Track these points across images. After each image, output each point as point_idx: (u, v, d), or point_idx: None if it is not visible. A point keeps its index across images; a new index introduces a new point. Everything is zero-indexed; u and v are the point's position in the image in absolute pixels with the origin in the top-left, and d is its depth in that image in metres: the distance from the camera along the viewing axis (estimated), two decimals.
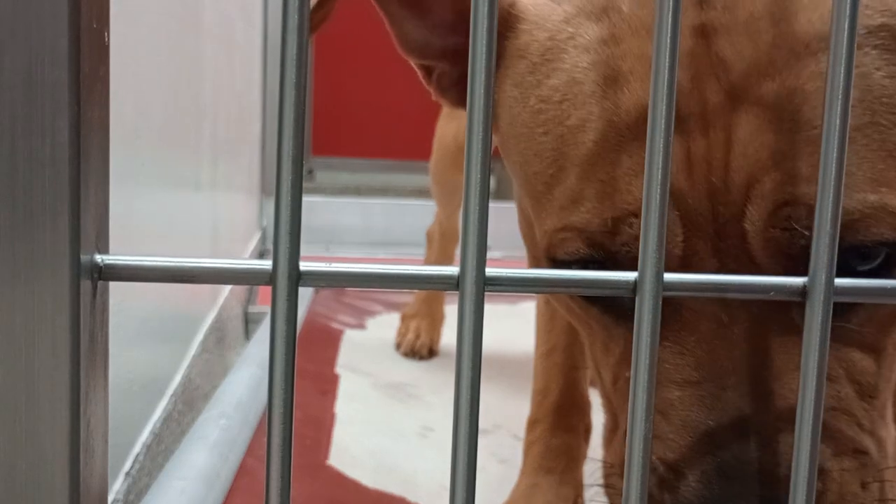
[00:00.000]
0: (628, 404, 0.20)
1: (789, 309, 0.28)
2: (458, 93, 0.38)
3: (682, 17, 0.27)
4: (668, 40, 0.20)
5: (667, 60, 0.20)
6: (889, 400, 0.31)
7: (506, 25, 0.33)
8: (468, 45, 0.39)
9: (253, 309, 1.24)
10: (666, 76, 0.20)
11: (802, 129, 0.27)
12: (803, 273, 0.21)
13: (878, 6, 0.29)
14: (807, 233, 0.27)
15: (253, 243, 1.44)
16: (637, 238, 0.28)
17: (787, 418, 0.27)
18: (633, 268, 0.21)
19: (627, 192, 0.28)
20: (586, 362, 0.59)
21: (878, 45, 0.28)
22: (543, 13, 0.33)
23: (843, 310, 0.29)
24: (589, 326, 0.34)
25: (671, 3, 0.19)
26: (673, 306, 0.28)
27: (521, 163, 0.34)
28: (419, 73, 0.40)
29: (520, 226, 0.37)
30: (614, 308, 0.32)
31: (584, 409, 0.57)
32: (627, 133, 0.29)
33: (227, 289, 1.03)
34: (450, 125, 0.95)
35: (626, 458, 0.21)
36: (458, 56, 0.37)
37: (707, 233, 0.28)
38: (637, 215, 0.28)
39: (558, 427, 0.56)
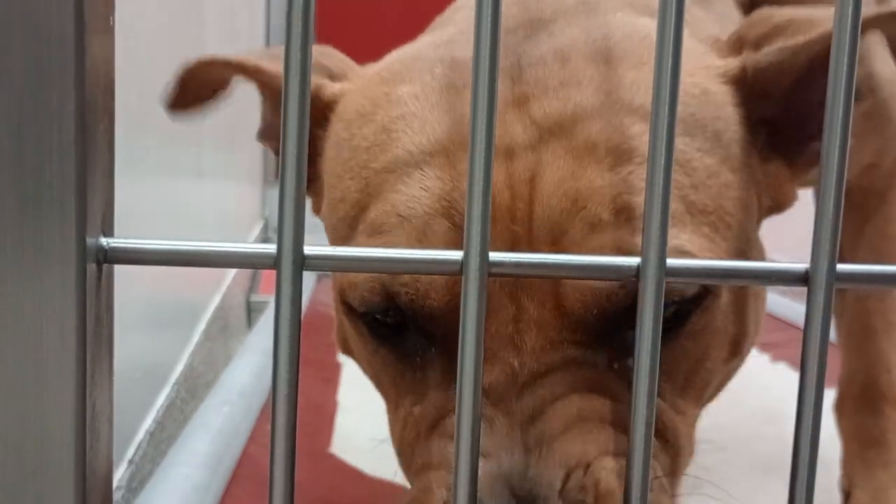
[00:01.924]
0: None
1: (586, 344, 0.29)
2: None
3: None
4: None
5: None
6: (686, 455, 0.32)
7: (323, 109, 0.36)
8: (311, 134, 0.40)
9: (255, 297, 1.24)
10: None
11: (605, 174, 0.28)
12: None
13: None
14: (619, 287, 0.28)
15: (255, 232, 1.44)
16: (418, 280, 0.28)
17: (561, 433, 0.27)
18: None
19: (418, 232, 0.29)
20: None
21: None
22: (364, 82, 0.35)
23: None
24: (381, 377, 0.34)
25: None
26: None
27: (329, 211, 0.35)
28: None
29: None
30: (404, 351, 0.31)
31: None
32: (431, 167, 0.30)
33: (229, 277, 1.03)
34: None
35: (628, 456, 0.21)
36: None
37: (507, 282, 0.28)
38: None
39: None
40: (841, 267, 0.21)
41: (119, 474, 0.52)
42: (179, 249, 0.21)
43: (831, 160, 0.21)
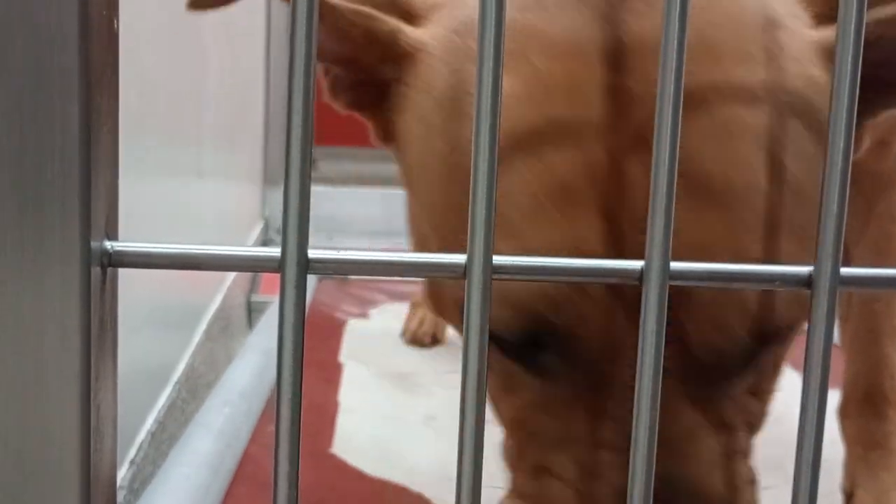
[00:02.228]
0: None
1: (691, 380, 0.29)
2: (349, 97, 0.37)
3: (595, 75, 0.27)
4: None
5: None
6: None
7: (399, 55, 0.32)
8: (359, 54, 0.36)
9: (256, 298, 1.24)
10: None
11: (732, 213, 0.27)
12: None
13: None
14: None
15: (255, 232, 1.44)
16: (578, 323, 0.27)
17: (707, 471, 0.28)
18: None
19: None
20: None
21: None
22: (446, 48, 0.31)
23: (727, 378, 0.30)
24: (497, 386, 0.33)
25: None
26: (604, 376, 0.28)
27: (429, 209, 0.33)
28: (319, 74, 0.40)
29: (415, 248, 0.35)
30: (525, 363, 0.30)
31: None
32: (548, 198, 0.27)
33: (230, 278, 1.03)
34: None
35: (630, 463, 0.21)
36: (353, 65, 0.35)
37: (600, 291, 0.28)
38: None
39: None
40: (844, 270, 0.21)
41: (121, 475, 0.53)
42: (184, 253, 0.21)
43: (835, 162, 0.21)
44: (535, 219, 0.27)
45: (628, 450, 0.26)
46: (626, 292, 0.27)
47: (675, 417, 0.28)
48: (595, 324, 0.28)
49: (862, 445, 0.54)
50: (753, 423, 0.32)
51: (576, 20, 0.28)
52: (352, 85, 0.37)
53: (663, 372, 0.27)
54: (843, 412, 0.56)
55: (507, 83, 0.28)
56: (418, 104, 0.33)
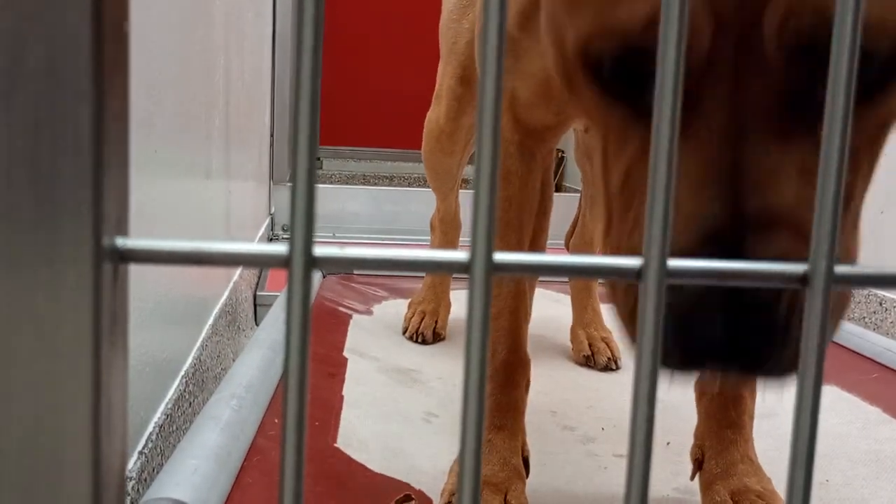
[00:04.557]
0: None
1: (808, 120, 0.29)
2: None
3: None
4: None
5: None
6: (859, 214, 0.33)
7: None
8: None
9: (262, 294, 1.25)
10: None
11: None
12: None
13: None
14: (817, 43, 0.28)
15: (262, 230, 1.45)
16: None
17: (788, 220, 0.29)
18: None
19: None
20: (527, 320, 0.61)
21: None
22: None
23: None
24: (605, 126, 0.35)
25: None
26: (693, 99, 0.30)
27: None
28: None
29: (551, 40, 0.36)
30: (636, 105, 0.32)
31: (526, 366, 0.61)
32: None
33: (236, 274, 1.04)
34: (434, 111, 0.97)
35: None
36: None
37: (732, 33, 0.29)
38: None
39: (506, 384, 0.60)
40: (839, 268, 0.21)
41: (130, 466, 0.53)
42: (193, 249, 0.21)
43: (831, 160, 0.21)
44: None
45: (729, 180, 0.27)
46: (729, 19, 0.29)
47: (756, 151, 0.29)
48: (697, 46, 0.29)
49: (717, 422, 0.58)
50: (849, 197, 0.31)
51: None
52: None
53: (743, 102, 0.28)
54: (701, 389, 0.60)
55: None
56: None
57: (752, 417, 0.58)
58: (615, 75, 0.32)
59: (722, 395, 0.57)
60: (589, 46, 0.31)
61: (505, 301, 0.60)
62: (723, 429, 0.57)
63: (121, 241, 0.21)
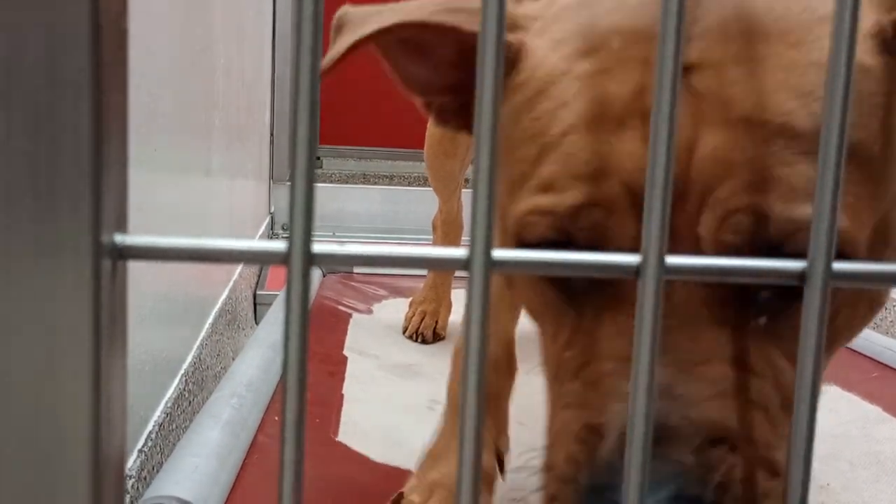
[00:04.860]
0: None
1: (732, 303, 0.31)
2: (459, 120, 0.43)
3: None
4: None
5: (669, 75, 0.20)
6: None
7: (511, 64, 0.37)
8: (469, 80, 0.42)
9: (261, 293, 1.25)
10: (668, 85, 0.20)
11: (767, 143, 0.30)
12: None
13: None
14: (753, 241, 0.30)
15: (262, 228, 1.45)
16: (594, 226, 0.31)
17: (712, 395, 0.30)
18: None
19: (592, 183, 0.32)
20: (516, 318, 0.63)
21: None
22: (544, 54, 0.36)
23: (781, 315, 0.32)
24: (541, 316, 0.37)
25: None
26: (617, 291, 0.32)
27: (505, 168, 0.37)
28: (418, 106, 0.44)
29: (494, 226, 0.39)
30: (568, 290, 0.34)
31: (510, 345, 0.63)
32: (604, 133, 0.32)
33: (236, 273, 1.04)
34: None
35: (627, 446, 0.22)
36: (460, 90, 0.41)
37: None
38: (598, 205, 0.32)
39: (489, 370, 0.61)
40: (837, 265, 0.21)
41: (129, 464, 0.53)
42: (193, 246, 0.21)
43: (829, 157, 0.21)
44: (589, 144, 0.32)
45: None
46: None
47: (693, 336, 0.30)
48: (616, 235, 0.31)
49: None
50: (784, 392, 0.32)
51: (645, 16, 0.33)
52: (459, 109, 0.42)
53: (687, 287, 0.29)
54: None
55: (588, 63, 0.33)
56: (512, 101, 0.37)
57: None
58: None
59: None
60: (524, 228, 0.33)
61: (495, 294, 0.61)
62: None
63: (120, 238, 0.21)
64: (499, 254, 0.21)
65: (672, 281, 0.30)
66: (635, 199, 0.31)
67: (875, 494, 0.65)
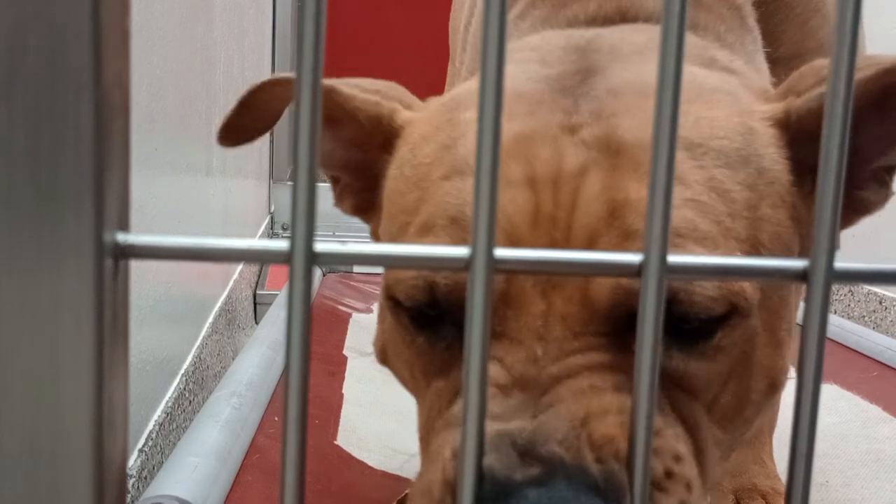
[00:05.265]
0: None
1: (594, 336, 0.30)
2: (355, 203, 0.44)
3: (554, 118, 0.33)
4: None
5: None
6: (712, 476, 0.33)
7: (393, 131, 0.38)
8: (367, 161, 0.42)
9: (261, 292, 1.25)
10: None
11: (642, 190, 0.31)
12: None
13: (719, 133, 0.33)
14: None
15: (262, 227, 1.45)
16: (458, 284, 0.31)
17: (577, 396, 0.29)
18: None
19: (465, 233, 0.32)
20: None
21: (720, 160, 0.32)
22: (429, 112, 0.38)
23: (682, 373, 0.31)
24: (413, 371, 0.37)
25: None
26: (497, 332, 0.31)
27: (387, 223, 0.38)
28: (329, 182, 0.45)
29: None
30: (438, 333, 0.34)
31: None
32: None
33: (236, 272, 1.04)
34: None
35: (630, 454, 0.22)
36: (361, 170, 0.42)
37: (540, 279, 0.31)
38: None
39: None
40: (839, 265, 0.21)
41: (130, 463, 0.53)
42: (194, 245, 0.21)
43: (830, 157, 0.21)
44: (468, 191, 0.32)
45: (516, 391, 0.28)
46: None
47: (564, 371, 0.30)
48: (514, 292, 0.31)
49: None
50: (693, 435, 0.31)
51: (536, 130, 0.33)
52: (360, 190, 0.43)
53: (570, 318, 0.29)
54: None
55: (471, 112, 0.34)
56: (398, 155, 0.38)
57: (771, 424, 0.58)
58: (414, 315, 0.33)
59: None
60: (394, 280, 0.33)
61: None
62: None
63: (122, 237, 0.21)
64: (501, 253, 0.21)
65: (551, 324, 0.30)
66: (508, 243, 0.31)
67: (874, 492, 0.65)
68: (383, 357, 0.40)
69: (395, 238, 0.36)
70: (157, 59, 0.61)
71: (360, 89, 0.39)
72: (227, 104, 1.00)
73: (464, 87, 0.39)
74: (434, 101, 0.40)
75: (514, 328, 0.30)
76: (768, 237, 0.33)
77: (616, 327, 0.30)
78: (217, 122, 1.01)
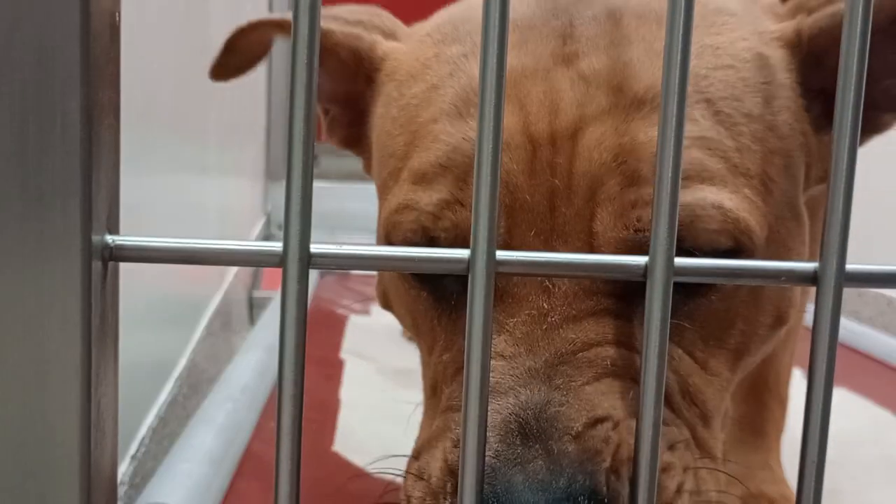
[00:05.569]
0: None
1: (615, 294, 0.29)
2: (344, 134, 0.42)
3: (547, 47, 0.31)
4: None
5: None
6: (717, 421, 0.32)
7: (376, 63, 0.37)
8: (353, 94, 0.40)
9: (257, 293, 1.24)
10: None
11: (656, 127, 0.29)
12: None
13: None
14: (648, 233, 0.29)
15: (258, 228, 1.44)
16: (458, 224, 0.30)
17: (588, 379, 0.28)
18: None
19: (461, 175, 0.30)
20: None
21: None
22: (414, 43, 0.36)
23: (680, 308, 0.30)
24: (419, 325, 0.35)
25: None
26: (500, 291, 0.30)
27: (379, 167, 0.36)
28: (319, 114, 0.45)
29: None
30: (441, 290, 0.33)
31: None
32: (476, 118, 0.32)
33: (231, 273, 1.03)
34: None
35: (636, 442, 0.21)
36: (348, 101, 0.41)
37: (542, 229, 0.29)
38: (463, 204, 0.30)
39: None
40: (850, 266, 0.21)
41: (122, 470, 0.53)
42: (185, 247, 0.21)
43: (841, 154, 0.20)
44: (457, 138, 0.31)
45: (518, 357, 0.27)
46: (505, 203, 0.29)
47: (577, 328, 0.29)
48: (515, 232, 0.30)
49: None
50: (680, 377, 0.30)
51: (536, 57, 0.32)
52: (348, 123, 0.41)
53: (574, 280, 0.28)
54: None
55: (456, 48, 0.32)
56: (383, 91, 0.36)
57: (779, 428, 0.57)
58: None
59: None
60: (392, 228, 0.32)
61: None
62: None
63: (111, 239, 0.21)
64: (502, 255, 0.20)
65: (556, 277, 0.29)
66: (512, 196, 0.29)
67: (886, 498, 0.65)
68: (384, 302, 0.39)
69: (386, 184, 0.34)
70: (151, 57, 0.60)
71: (341, 21, 0.38)
72: (222, 103, 1.00)
73: (452, 13, 0.36)
74: (419, 29, 0.37)
75: (514, 282, 0.29)
76: (776, 171, 0.31)
77: (627, 286, 0.29)
78: (213, 120, 0.99)
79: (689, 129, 0.29)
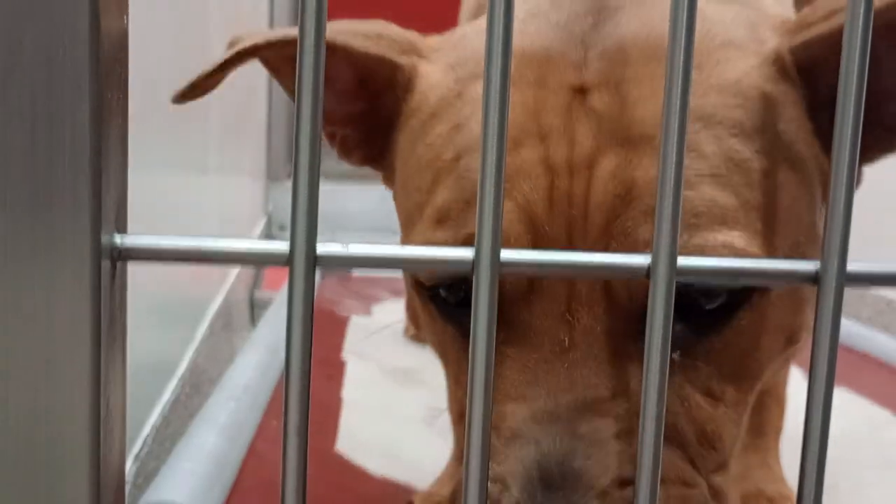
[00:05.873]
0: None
1: (634, 337, 0.30)
2: (361, 153, 0.42)
3: (563, 77, 0.32)
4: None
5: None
6: (734, 458, 0.32)
7: (405, 88, 0.37)
8: (370, 110, 0.41)
9: (259, 294, 1.24)
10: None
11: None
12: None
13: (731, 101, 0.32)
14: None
15: (259, 228, 1.45)
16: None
17: (615, 433, 0.28)
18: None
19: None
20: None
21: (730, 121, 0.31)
22: (438, 78, 0.36)
23: (687, 345, 0.31)
24: (445, 354, 0.36)
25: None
26: (519, 326, 0.30)
27: (403, 197, 0.37)
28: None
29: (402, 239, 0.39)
30: (467, 325, 0.33)
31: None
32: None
33: (233, 274, 1.03)
34: None
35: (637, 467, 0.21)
36: (361, 120, 0.40)
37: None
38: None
39: None
40: (851, 267, 0.21)
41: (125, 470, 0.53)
42: (194, 247, 0.21)
43: (842, 155, 0.21)
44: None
45: (539, 400, 0.27)
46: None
47: (597, 371, 0.29)
48: (514, 285, 0.30)
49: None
50: (699, 426, 0.31)
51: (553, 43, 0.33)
52: (361, 141, 0.41)
53: (591, 317, 0.28)
54: None
55: (480, 86, 0.31)
56: (408, 126, 0.37)
57: (777, 428, 0.57)
58: (438, 295, 0.33)
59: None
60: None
61: None
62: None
63: (119, 239, 0.21)
64: (507, 254, 0.21)
65: (577, 310, 0.29)
66: (533, 226, 0.30)
67: (884, 496, 0.65)
68: (416, 322, 0.40)
69: (410, 214, 0.35)
70: (152, 56, 0.61)
71: (361, 37, 0.37)
72: (223, 102, 1.00)
73: (472, 41, 0.36)
74: (444, 54, 0.37)
75: (535, 315, 0.29)
76: (790, 199, 0.32)
77: (641, 325, 0.29)
78: (213, 119, 0.99)
79: (699, 164, 0.30)
